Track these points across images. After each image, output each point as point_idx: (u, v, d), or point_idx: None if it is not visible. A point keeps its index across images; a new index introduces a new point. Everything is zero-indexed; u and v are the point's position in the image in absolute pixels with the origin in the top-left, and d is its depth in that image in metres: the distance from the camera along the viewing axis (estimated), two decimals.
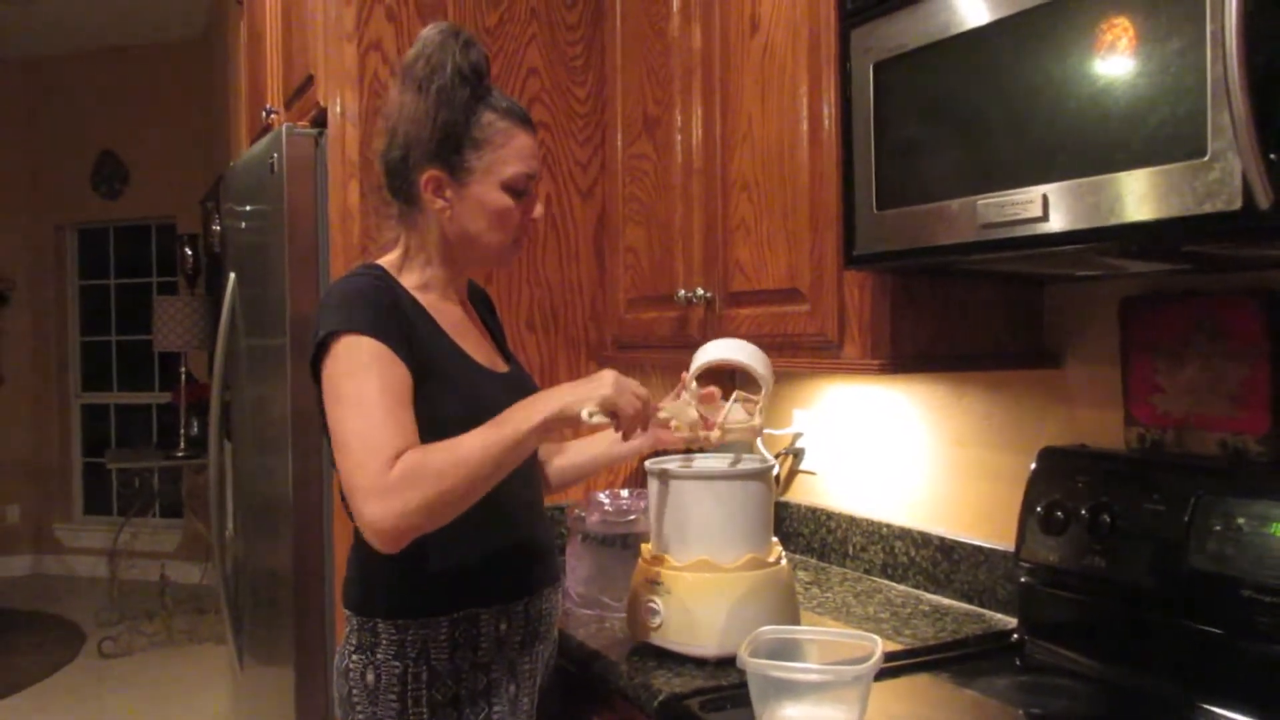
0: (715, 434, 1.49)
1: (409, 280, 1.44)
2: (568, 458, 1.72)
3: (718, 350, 1.53)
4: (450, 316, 1.47)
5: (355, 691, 1.38)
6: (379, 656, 1.37)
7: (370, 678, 1.37)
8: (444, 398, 1.36)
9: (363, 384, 1.28)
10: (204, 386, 5.14)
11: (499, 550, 1.41)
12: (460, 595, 1.38)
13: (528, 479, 1.49)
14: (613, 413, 1.31)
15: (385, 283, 1.40)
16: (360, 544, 1.38)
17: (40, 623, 5.44)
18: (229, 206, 2.93)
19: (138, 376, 6.63)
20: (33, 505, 6.63)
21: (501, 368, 1.53)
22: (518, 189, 1.43)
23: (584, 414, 1.29)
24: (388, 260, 1.47)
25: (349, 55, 2.08)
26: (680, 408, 1.49)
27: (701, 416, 1.50)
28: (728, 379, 2.05)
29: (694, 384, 1.53)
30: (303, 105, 2.38)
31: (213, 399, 2.72)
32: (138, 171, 6.48)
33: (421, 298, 1.43)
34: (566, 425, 1.32)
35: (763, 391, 1.52)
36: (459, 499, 1.26)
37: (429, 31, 1.41)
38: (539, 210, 1.48)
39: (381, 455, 1.23)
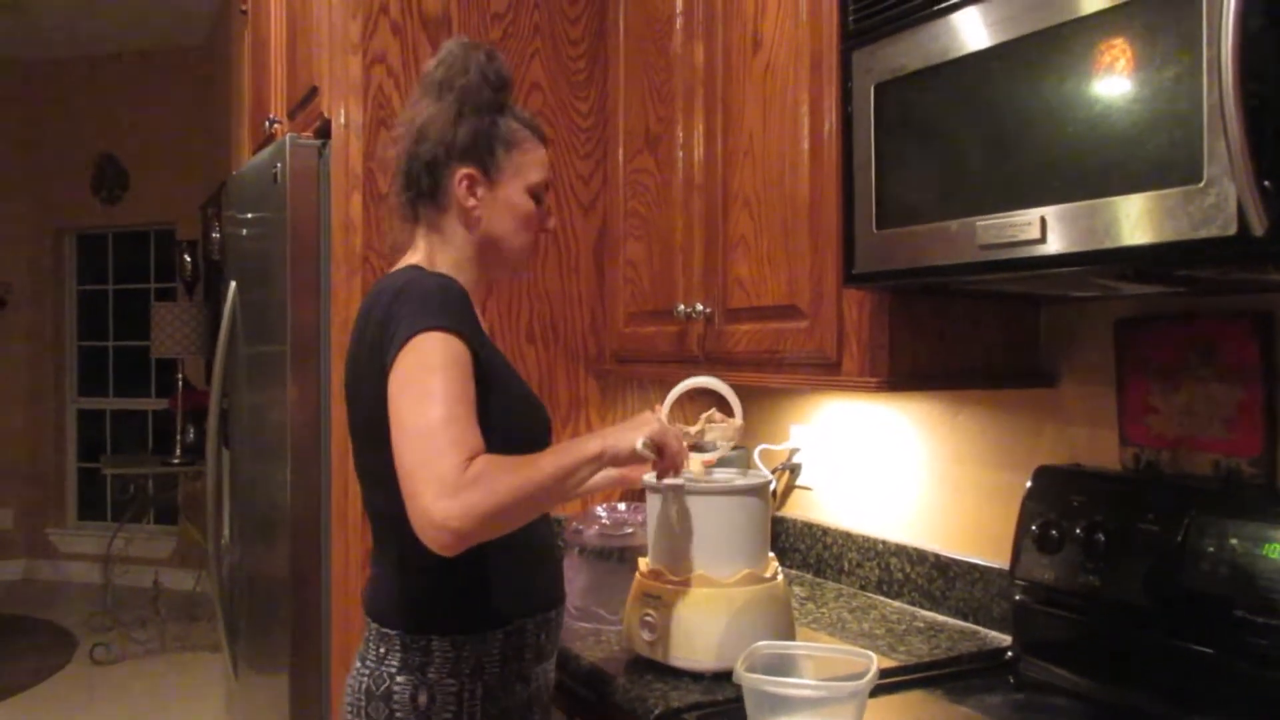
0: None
1: None
2: None
3: (695, 380, 1.59)
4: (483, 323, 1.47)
5: (399, 713, 1.32)
6: (430, 676, 1.32)
7: (423, 699, 1.32)
8: (504, 401, 1.36)
9: (450, 380, 1.24)
10: (201, 393, 5.14)
11: (538, 560, 1.42)
12: (512, 607, 1.37)
13: None
14: (658, 449, 1.33)
15: (461, 285, 1.37)
16: (405, 560, 1.35)
17: (32, 628, 5.42)
18: (231, 214, 2.94)
19: (134, 382, 6.63)
20: (27, 510, 6.61)
21: None
22: (539, 195, 1.46)
23: (639, 444, 1.31)
24: (416, 264, 1.44)
25: (354, 67, 2.10)
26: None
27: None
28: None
29: (664, 414, 1.54)
30: (306, 116, 2.40)
31: (211, 406, 2.72)
32: (138, 177, 6.49)
33: None
34: (617, 461, 1.32)
35: (734, 427, 1.57)
36: (522, 513, 1.25)
37: (451, 44, 1.44)
38: (552, 222, 1.51)
39: (461, 451, 1.19)
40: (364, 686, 1.35)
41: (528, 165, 1.44)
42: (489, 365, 1.34)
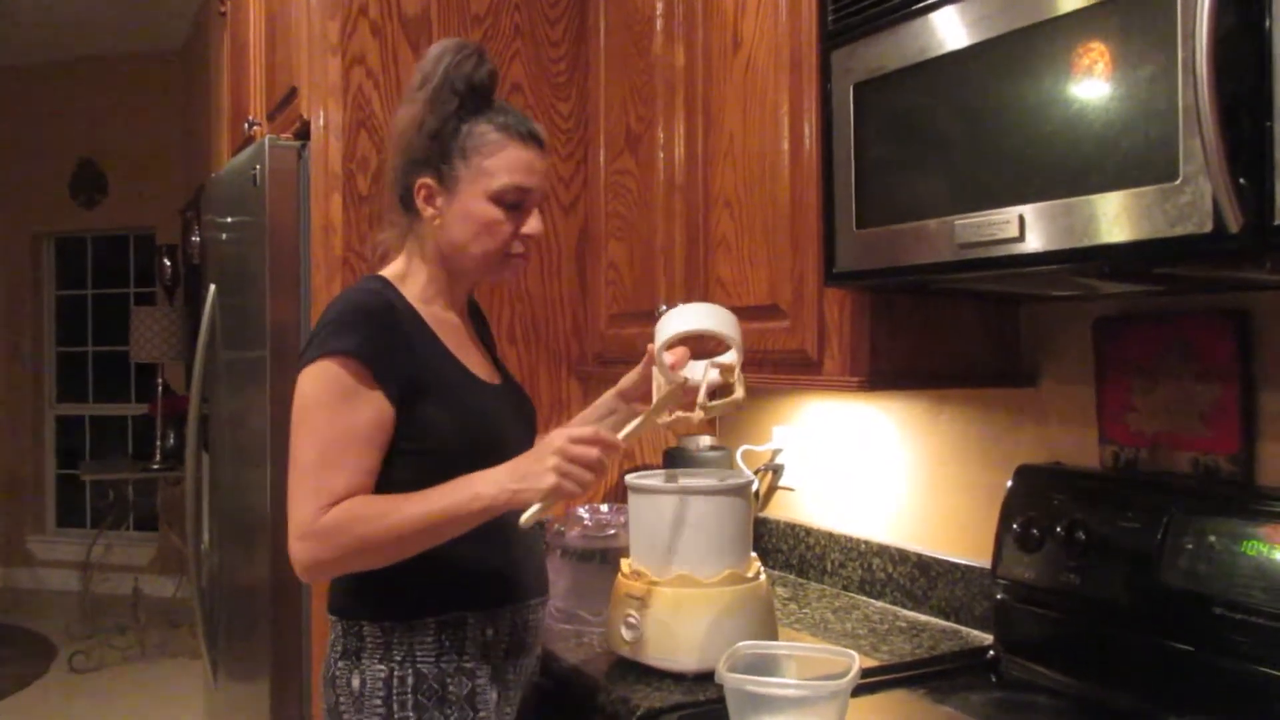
0: (697, 414, 1.44)
1: (411, 290, 1.46)
2: None
3: (684, 320, 1.45)
4: (449, 328, 1.48)
5: (342, 699, 1.37)
6: (364, 661, 1.37)
7: (356, 683, 1.36)
8: (441, 413, 1.37)
9: (331, 417, 1.30)
10: (180, 398, 5.10)
11: (489, 555, 1.41)
12: (448, 598, 1.38)
13: None
14: (559, 495, 1.27)
15: (385, 298, 1.41)
16: None
17: (10, 637, 5.36)
18: (210, 218, 2.92)
19: (114, 388, 6.57)
20: (5, 517, 6.53)
21: (496, 380, 1.54)
22: (506, 201, 1.42)
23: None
24: (391, 271, 1.49)
25: (333, 69, 2.09)
26: (657, 408, 1.44)
27: (681, 396, 1.44)
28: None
29: (664, 356, 1.46)
30: (286, 118, 2.38)
31: (191, 410, 2.70)
32: (116, 181, 6.44)
33: (423, 309, 1.45)
34: (513, 510, 1.29)
35: (735, 355, 1.46)
36: (379, 559, 1.30)
37: (435, 46, 1.46)
38: (532, 225, 1.44)
39: (321, 497, 1.27)
40: (323, 671, 1.43)
41: (490, 171, 1.41)
42: (427, 376, 1.37)
